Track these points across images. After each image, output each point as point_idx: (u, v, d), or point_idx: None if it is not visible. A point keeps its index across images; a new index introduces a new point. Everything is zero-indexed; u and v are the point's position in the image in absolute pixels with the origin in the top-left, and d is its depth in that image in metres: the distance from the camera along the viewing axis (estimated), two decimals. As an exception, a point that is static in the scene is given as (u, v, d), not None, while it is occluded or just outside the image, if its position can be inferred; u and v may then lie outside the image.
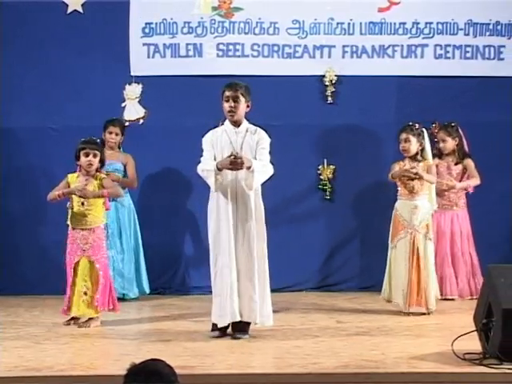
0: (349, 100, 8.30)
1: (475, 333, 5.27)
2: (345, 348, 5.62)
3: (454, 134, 7.87)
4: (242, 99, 6.08)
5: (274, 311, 6.22)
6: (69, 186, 6.62)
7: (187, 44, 8.26)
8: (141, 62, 8.25)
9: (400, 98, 8.33)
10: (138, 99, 8.28)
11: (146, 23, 8.25)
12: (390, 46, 8.26)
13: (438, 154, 7.94)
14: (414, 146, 7.09)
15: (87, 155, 6.61)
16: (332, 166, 8.27)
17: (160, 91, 8.23)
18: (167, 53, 8.26)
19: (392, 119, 8.31)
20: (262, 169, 6.07)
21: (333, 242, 8.18)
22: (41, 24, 8.19)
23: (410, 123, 7.19)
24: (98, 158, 6.64)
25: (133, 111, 8.27)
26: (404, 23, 8.29)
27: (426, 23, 8.29)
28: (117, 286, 7.30)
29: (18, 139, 8.21)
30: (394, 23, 8.28)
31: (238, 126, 6.13)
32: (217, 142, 6.10)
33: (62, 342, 5.90)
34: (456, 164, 7.92)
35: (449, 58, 8.27)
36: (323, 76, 8.28)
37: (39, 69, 8.23)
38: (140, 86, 8.26)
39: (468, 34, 8.28)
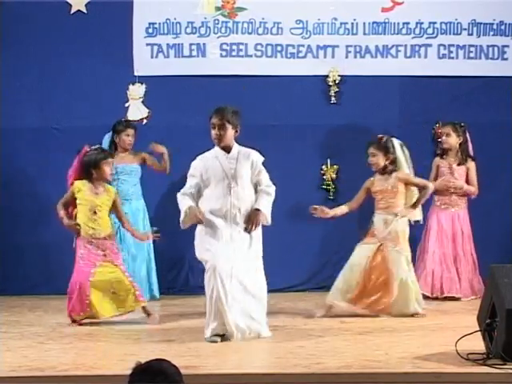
0: (352, 100, 8.30)
1: (479, 333, 5.26)
2: (348, 348, 5.61)
3: (460, 132, 7.83)
4: (229, 126, 6.02)
5: (277, 312, 6.21)
6: (74, 196, 6.59)
7: (191, 44, 8.26)
8: (144, 62, 8.26)
9: (403, 98, 8.33)
10: (141, 99, 8.28)
11: (150, 23, 8.26)
12: (393, 45, 8.27)
13: (441, 153, 7.94)
14: (381, 159, 7.01)
15: (109, 165, 6.64)
16: (335, 166, 8.28)
17: (163, 91, 8.23)
18: (171, 53, 8.27)
19: (395, 119, 8.33)
20: (269, 202, 6.08)
21: (336, 242, 8.17)
22: (44, 24, 8.20)
23: (379, 136, 7.10)
24: (112, 167, 6.72)
25: (136, 111, 8.27)
26: (407, 23, 8.29)
27: (430, 23, 8.29)
28: None
29: (21, 139, 8.21)
30: (398, 23, 8.28)
31: (229, 151, 6.09)
32: (207, 169, 6.04)
33: (66, 342, 5.90)
34: (459, 165, 7.90)
35: (452, 57, 8.27)
36: (327, 76, 8.28)
37: (43, 69, 8.24)
38: (143, 86, 8.26)
39: (472, 34, 8.28)
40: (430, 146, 8.35)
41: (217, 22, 8.26)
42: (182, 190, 6.11)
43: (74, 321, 6.55)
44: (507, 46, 8.29)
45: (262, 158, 6.17)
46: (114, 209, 6.75)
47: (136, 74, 8.26)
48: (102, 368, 5.11)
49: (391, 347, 5.59)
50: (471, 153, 7.93)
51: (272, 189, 6.13)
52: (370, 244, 6.92)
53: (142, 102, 8.29)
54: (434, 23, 8.29)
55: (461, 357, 5.10)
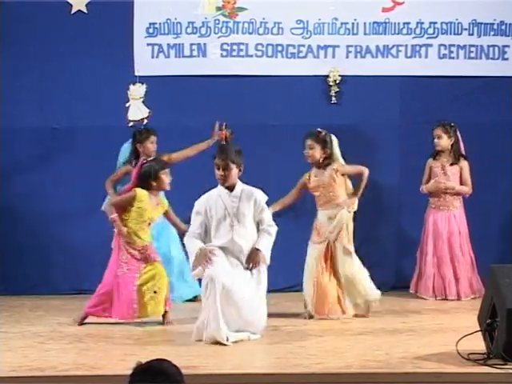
0: (353, 100, 8.29)
1: (479, 333, 5.27)
2: (348, 348, 5.62)
3: (450, 132, 7.82)
4: (233, 166, 6.07)
5: (278, 312, 6.21)
6: (132, 203, 6.55)
7: (191, 44, 8.25)
8: (145, 62, 8.24)
9: (404, 98, 8.32)
10: (142, 99, 8.27)
11: (150, 23, 8.26)
12: (394, 45, 8.26)
13: (434, 154, 7.93)
14: (317, 152, 6.97)
15: (167, 174, 6.64)
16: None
17: (164, 91, 8.22)
18: (171, 53, 8.26)
19: (396, 119, 8.33)
20: (270, 242, 6.14)
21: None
22: (44, 24, 8.19)
23: (318, 129, 7.08)
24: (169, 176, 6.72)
25: (137, 111, 8.26)
26: (408, 23, 8.29)
27: (431, 23, 8.28)
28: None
29: (21, 139, 8.20)
30: (398, 23, 8.27)
31: (232, 189, 6.13)
32: (211, 208, 6.09)
33: (66, 342, 5.90)
34: (451, 165, 7.88)
35: (453, 57, 8.26)
36: (327, 76, 8.27)
37: (43, 69, 8.23)
38: (144, 86, 8.26)
39: (472, 34, 8.27)
40: (431, 147, 8.35)
41: (217, 21, 8.25)
42: (188, 231, 6.14)
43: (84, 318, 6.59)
44: (508, 46, 8.28)
45: (265, 197, 6.23)
46: (167, 216, 6.85)
47: (136, 73, 8.25)
48: (103, 368, 5.12)
49: (392, 347, 5.59)
50: (463, 152, 7.93)
51: (274, 229, 6.18)
52: (318, 244, 6.92)
53: (143, 102, 8.28)
54: (435, 23, 8.28)
55: (461, 357, 5.11)
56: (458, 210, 7.88)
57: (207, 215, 6.08)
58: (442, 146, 7.87)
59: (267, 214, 6.20)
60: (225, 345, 5.68)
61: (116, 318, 6.56)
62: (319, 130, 7.07)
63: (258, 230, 6.15)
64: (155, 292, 6.54)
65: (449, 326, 6.33)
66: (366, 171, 7.08)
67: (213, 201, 6.11)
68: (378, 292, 6.92)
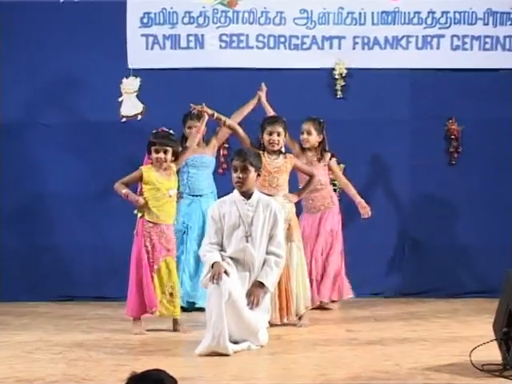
0: (360, 94, 8.32)
1: (494, 342, 5.26)
2: (356, 358, 5.61)
3: (319, 128, 7.59)
4: (251, 168, 6.04)
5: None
6: (141, 179, 6.57)
7: (188, 35, 8.28)
8: (139, 54, 8.27)
9: (414, 93, 8.35)
10: (135, 93, 8.29)
11: (145, 13, 8.28)
12: (403, 36, 8.28)
13: (301, 148, 7.71)
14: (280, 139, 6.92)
15: (157, 152, 6.58)
16: (342, 165, 8.26)
17: (159, 85, 8.25)
18: (167, 44, 8.28)
19: (406, 115, 8.35)
20: (276, 278, 6.12)
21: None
22: (33, 14, 8.21)
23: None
24: (169, 154, 6.61)
25: (130, 106, 8.28)
26: (419, 12, 8.30)
27: (443, 12, 8.30)
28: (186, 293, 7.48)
29: (10, 135, 8.23)
30: (409, 12, 8.30)
31: (249, 197, 6.11)
32: (224, 215, 6.06)
33: (55, 352, 5.89)
34: (319, 161, 7.72)
35: (467, 49, 8.29)
36: (332, 69, 8.31)
37: (31, 61, 8.24)
38: (138, 79, 8.28)
39: (487, 24, 8.29)
40: (443, 144, 8.36)
41: (216, 11, 8.27)
42: (205, 241, 6.12)
43: (136, 321, 6.62)
44: (525, 37, 8.31)
45: (282, 211, 6.24)
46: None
47: (130, 66, 8.28)
48: (94, 380, 5.11)
49: (401, 357, 5.58)
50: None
51: (282, 261, 6.15)
52: None
53: (137, 96, 8.30)
54: (447, 12, 8.30)
55: (475, 368, 5.10)
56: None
57: (221, 222, 6.08)
58: (310, 144, 7.61)
59: (280, 232, 6.15)
60: (225, 355, 5.69)
61: (128, 315, 6.61)
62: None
63: (267, 247, 6.11)
64: (171, 294, 6.59)
65: (462, 335, 6.32)
66: (316, 175, 7.13)
67: (226, 208, 6.09)
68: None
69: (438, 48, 8.30)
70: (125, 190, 6.56)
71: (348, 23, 8.28)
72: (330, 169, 7.68)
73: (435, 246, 8.41)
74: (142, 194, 6.61)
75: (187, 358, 5.67)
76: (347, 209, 8.04)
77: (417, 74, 8.30)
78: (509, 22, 8.30)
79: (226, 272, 5.82)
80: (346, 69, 8.29)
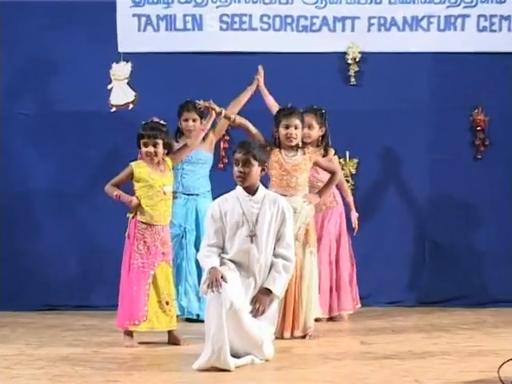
0: (375, 81, 8.32)
1: (526, 357, 5.25)
2: (371, 374, 5.59)
3: (321, 121, 7.54)
4: (254, 162, 5.99)
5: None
6: (132, 176, 6.52)
7: (185, 15, 8.28)
8: (130, 37, 8.28)
9: (436, 79, 8.35)
10: (126, 80, 8.32)
11: (137, -9, 8.29)
12: (424, 17, 8.28)
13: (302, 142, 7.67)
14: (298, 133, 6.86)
15: (146, 145, 6.52)
16: (355, 160, 8.28)
17: (153, 71, 8.25)
18: (161, 25, 8.29)
19: (426, 104, 8.37)
20: (285, 284, 6.08)
21: (354, 249, 8.12)
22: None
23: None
24: (160, 147, 6.53)
25: (121, 94, 8.29)
26: (441, -10, 8.30)
27: (468, -11, 8.30)
28: (189, 304, 7.51)
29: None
30: (430, -10, 8.30)
31: (253, 193, 6.06)
32: (226, 213, 6.02)
33: (37, 367, 5.87)
34: (322, 157, 7.65)
35: (494, 30, 8.28)
36: (345, 53, 8.32)
37: (8, 45, 8.23)
38: (129, 64, 8.30)
39: (519, 2, 8.29)
40: (467, 136, 8.34)
41: (216, -12, 8.28)
42: (206, 241, 6.07)
43: (128, 333, 6.56)
44: (561, 16, 8.28)
45: (290, 209, 6.17)
46: None
47: (120, 50, 8.30)
48: (80, 398, 5.09)
49: (422, 373, 5.56)
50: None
51: (291, 265, 6.09)
52: None
53: (128, 83, 8.32)
54: (473, -11, 8.29)
55: (505, 385, 5.08)
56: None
57: (223, 221, 6.03)
58: (312, 138, 7.51)
59: (289, 233, 6.10)
60: (226, 370, 5.64)
61: (119, 326, 6.58)
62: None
63: (274, 249, 6.07)
64: (167, 303, 6.55)
65: (489, 349, 6.31)
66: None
67: (229, 204, 6.05)
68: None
69: (462, 29, 8.30)
70: (116, 192, 6.53)
71: (362, 2, 8.29)
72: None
73: (458, 249, 8.43)
74: (134, 192, 6.56)
75: (184, 374, 5.64)
76: (360, 207, 8.01)
77: (439, 58, 8.30)
78: (543, 1, 8.30)
79: (223, 277, 5.75)
80: (360, 53, 8.30)
